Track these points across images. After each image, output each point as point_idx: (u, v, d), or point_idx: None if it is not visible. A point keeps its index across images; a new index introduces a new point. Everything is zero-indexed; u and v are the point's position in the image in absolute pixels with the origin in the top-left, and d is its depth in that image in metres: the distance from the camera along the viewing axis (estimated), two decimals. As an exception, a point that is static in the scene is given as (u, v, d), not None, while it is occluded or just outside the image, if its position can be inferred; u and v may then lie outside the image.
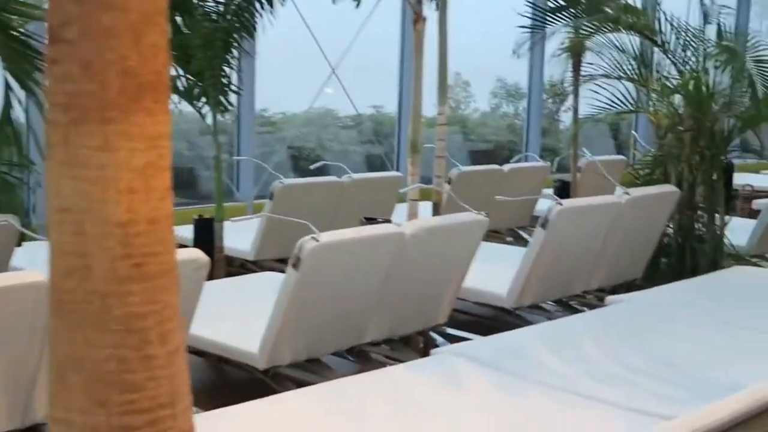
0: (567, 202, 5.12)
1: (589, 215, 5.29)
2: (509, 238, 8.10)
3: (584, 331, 3.95)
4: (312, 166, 7.41)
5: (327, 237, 3.97)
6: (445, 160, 5.15)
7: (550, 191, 8.09)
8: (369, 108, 10.51)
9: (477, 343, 3.91)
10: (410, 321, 4.71)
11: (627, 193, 5.39)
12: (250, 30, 5.51)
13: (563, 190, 7.88)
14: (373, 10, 9.03)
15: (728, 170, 8.95)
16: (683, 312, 4.22)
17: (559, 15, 5.74)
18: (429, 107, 12.70)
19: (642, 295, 4.57)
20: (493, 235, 7.89)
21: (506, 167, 7.93)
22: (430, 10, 5.10)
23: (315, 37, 9.07)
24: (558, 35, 6.41)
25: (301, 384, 4.07)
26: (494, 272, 5.37)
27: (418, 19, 5.10)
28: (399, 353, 4.60)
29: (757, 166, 11.92)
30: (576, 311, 5.49)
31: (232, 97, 5.90)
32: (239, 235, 6.35)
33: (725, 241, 6.12)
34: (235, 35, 5.63)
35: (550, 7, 5.89)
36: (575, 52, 6.88)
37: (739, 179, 9.63)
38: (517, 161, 8.65)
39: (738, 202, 9.41)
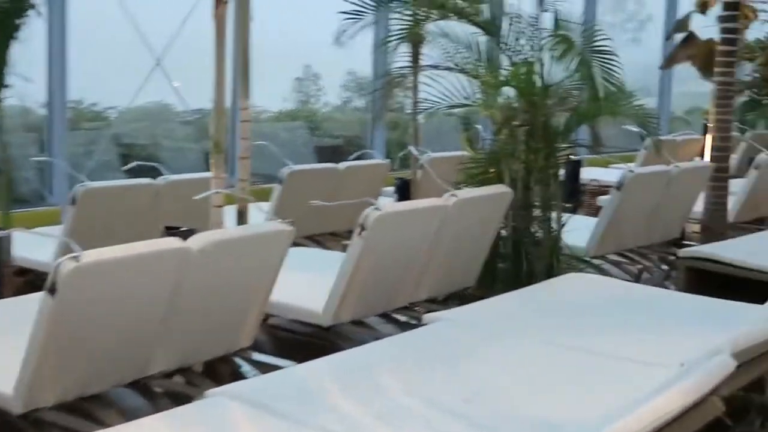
0: (387, 207, 4.62)
1: (412, 220, 4.81)
2: (348, 242, 7.59)
3: (391, 358, 3.45)
4: (124, 168, 6.71)
5: (90, 256, 3.35)
6: (249, 162, 4.57)
7: (391, 189, 7.64)
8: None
9: (261, 381, 3.35)
10: (206, 346, 4.12)
11: (455, 195, 4.94)
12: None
13: (404, 189, 7.42)
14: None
15: (576, 166, 8.73)
16: (505, 331, 3.78)
17: (382, 1, 5.23)
18: (275, 101, 12.16)
19: (463, 312, 4.11)
20: (331, 238, 7.38)
21: (342, 165, 7.41)
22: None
23: (139, 29, 8.40)
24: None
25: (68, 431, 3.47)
26: (317, 284, 4.83)
27: (219, 2, 4.50)
28: (192, 387, 4.01)
29: (606, 160, 11.80)
30: (404, 326, 5.02)
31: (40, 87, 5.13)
32: (41, 246, 5.62)
33: (564, 242, 5.76)
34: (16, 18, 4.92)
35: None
36: (412, 41, 6.42)
37: (588, 174, 9.38)
38: (357, 158, 8.13)
39: (585, 199, 9.18)
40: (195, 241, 3.73)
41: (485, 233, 5.34)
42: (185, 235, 4.03)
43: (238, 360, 4.35)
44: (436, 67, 5.54)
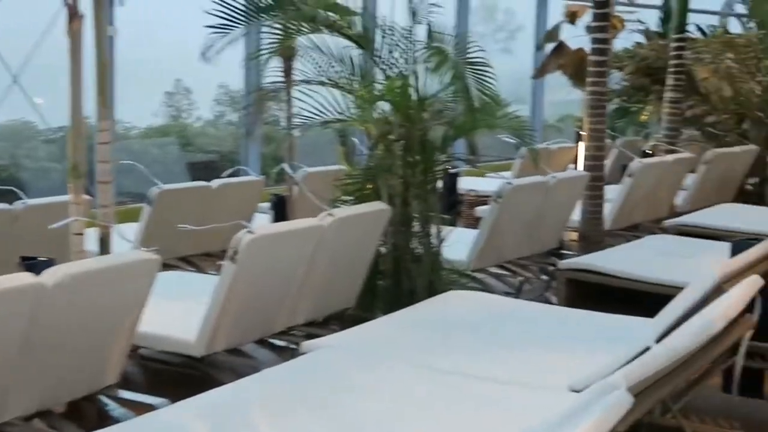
0: (260, 230, 4.40)
1: (287, 242, 4.60)
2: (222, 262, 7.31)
3: (264, 395, 3.23)
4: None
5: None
6: (110, 186, 4.28)
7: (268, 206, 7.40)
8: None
9: (121, 429, 3.07)
10: (68, 386, 3.82)
11: (331, 215, 4.76)
12: None
13: (280, 207, 7.18)
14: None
15: (453, 177, 8.66)
16: (383, 358, 3.61)
17: (250, 13, 5.01)
18: (146, 116, 11.72)
19: (341, 338, 3.92)
20: (207, 258, 7.09)
21: (215, 183, 7.13)
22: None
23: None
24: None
25: None
26: (189, 311, 4.57)
27: (74, 17, 4.21)
28: None
29: (483, 169, 11.82)
30: (282, 351, 4.81)
31: None
32: None
33: (444, 257, 5.65)
34: None
35: (241, 5, 5.14)
36: (284, 55, 6.21)
37: (465, 184, 9.32)
38: (231, 175, 7.85)
39: (463, 210, 9.13)
40: (50, 276, 3.43)
41: (364, 252, 5.18)
42: (42, 266, 3.73)
43: (104, 399, 4.06)
44: (308, 81, 5.35)
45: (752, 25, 10.76)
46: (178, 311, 4.72)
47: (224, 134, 12.07)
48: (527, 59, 13.56)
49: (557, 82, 12.64)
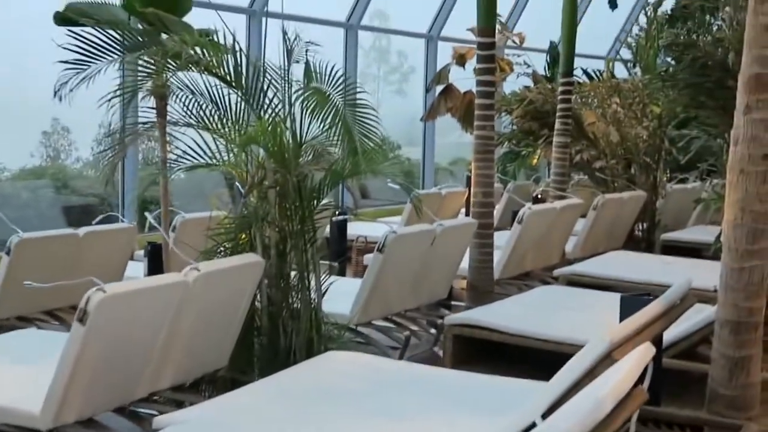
0: (113, 288, 3.96)
1: (145, 300, 4.17)
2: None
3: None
4: None
5: None
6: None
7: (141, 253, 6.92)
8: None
9: None
10: None
11: (197, 269, 4.35)
12: None
13: (155, 255, 6.70)
14: None
15: (342, 223, 8.33)
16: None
17: (110, 49, 4.61)
18: (21, 157, 11.11)
19: (200, 410, 3.52)
20: (73, 312, 6.56)
21: (82, 231, 6.63)
22: None
23: None
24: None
25: None
26: (36, 378, 4.09)
27: None
28: None
29: (375, 214, 11.54)
30: (143, 421, 4.36)
31: None
32: None
33: (325, 311, 5.29)
34: None
35: (101, 39, 4.73)
36: (155, 93, 5.81)
37: (355, 229, 8.98)
38: (103, 221, 7.34)
39: (352, 256, 8.80)
40: None
41: (236, 308, 4.78)
42: None
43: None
44: (175, 123, 4.96)
45: (637, 69, 10.81)
46: (24, 378, 4.24)
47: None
48: (419, 101, 13.44)
49: (450, 124, 12.52)
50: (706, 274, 7.13)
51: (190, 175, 6.79)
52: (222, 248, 5.11)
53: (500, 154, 11.12)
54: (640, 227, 9.85)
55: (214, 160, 5.03)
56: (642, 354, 2.67)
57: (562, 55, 9.30)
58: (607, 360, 2.81)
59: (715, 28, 8.40)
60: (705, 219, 10.17)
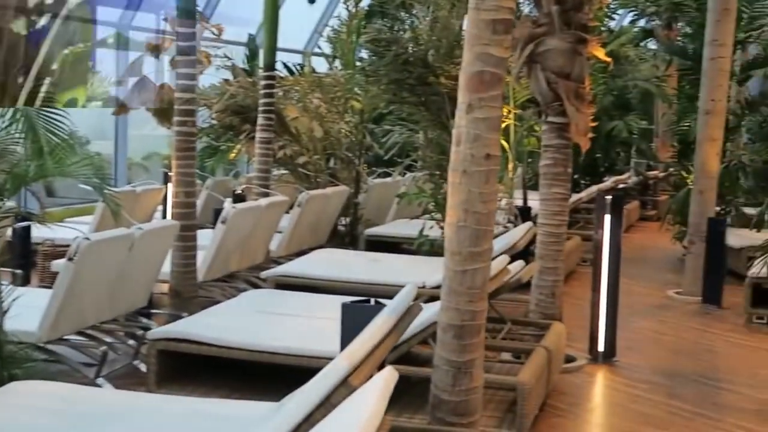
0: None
1: None
2: None
3: None
4: None
5: None
6: None
7: None
8: None
9: None
10: None
11: None
12: None
13: None
14: None
15: (26, 226, 7.48)
16: None
17: None
18: None
19: None
20: None
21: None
22: None
23: None
24: None
25: None
26: None
27: None
28: None
29: (62, 214, 10.61)
30: None
31: None
32: None
33: (9, 329, 4.63)
34: None
35: None
36: None
37: (41, 232, 8.04)
38: None
39: (39, 262, 7.94)
40: None
41: None
42: None
43: None
44: None
45: (338, 64, 10.76)
46: None
47: None
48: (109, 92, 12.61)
49: (143, 116, 11.84)
50: (413, 269, 7.18)
51: None
52: None
53: (198, 149, 10.64)
54: (343, 222, 9.80)
55: None
56: (387, 382, 2.40)
57: (264, 47, 9.00)
58: (344, 388, 2.52)
59: (409, 24, 8.50)
60: (405, 213, 10.30)
